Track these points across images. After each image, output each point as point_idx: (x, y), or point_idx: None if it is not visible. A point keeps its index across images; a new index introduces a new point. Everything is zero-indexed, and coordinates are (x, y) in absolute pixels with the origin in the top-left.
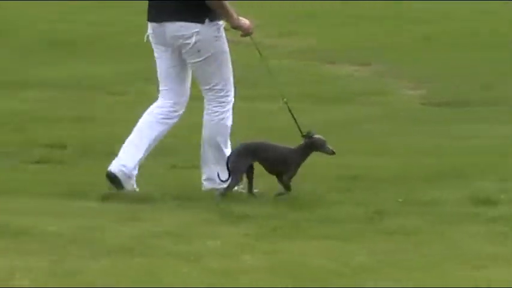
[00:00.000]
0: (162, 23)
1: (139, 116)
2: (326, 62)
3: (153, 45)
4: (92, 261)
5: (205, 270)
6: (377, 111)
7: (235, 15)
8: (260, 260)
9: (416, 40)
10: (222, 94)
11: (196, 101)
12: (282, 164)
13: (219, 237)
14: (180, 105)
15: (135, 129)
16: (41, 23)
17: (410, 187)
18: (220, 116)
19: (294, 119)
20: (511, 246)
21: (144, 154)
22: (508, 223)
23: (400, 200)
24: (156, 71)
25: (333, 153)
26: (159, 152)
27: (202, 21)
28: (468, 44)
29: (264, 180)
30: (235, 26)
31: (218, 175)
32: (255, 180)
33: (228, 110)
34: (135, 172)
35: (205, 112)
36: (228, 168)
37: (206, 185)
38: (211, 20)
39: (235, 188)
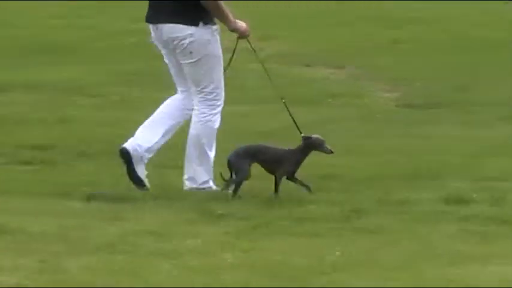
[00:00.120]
0: (158, 25)
1: (123, 118)
2: (302, 65)
3: (158, 46)
4: (76, 259)
5: (186, 268)
6: (353, 113)
7: (231, 18)
8: (240, 258)
9: (389, 43)
10: (211, 97)
11: None
12: (282, 164)
13: (199, 236)
14: None
15: (155, 113)
16: (23, 28)
17: (386, 187)
18: (208, 117)
19: (293, 119)
20: (484, 244)
21: (159, 139)
22: (480, 222)
23: (375, 199)
24: (138, 73)
25: (331, 152)
26: None
27: (196, 24)
28: (441, 47)
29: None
30: (232, 29)
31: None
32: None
33: (216, 113)
34: (148, 155)
35: (193, 112)
36: (230, 169)
37: (187, 184)
38: (205, 24)
39: (215, 188)
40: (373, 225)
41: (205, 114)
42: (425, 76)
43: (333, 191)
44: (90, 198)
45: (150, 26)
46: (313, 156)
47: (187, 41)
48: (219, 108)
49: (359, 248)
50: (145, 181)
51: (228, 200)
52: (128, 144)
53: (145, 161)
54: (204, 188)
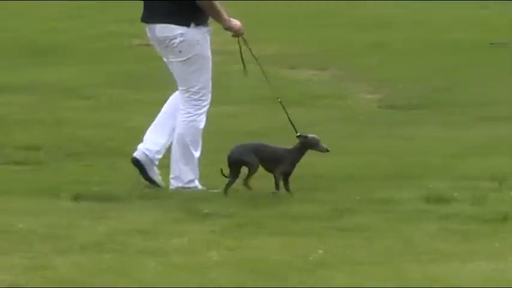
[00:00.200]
0: (151, 25)
1: (114, 119)
2: (286, 67)
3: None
4: (64, 257)
5: (172, 266)
6: (336, 114)
7: (226, 17)
8: (225, 256)
9: (371, 45)
10: (197, 97)
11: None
12: (280, 163)
13: (185, 234)
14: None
15: (158, 115)
16: (18, 29)
17: (368, 187)
18: (192, 117)
19: (289, 118)
20: (464, 242)
21: (166, 141)
22: (461, 220)
23: (357, 198)
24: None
25: (327, 150)
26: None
27: (188, 25)
28: (423, 49)
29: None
30: (226, 27)
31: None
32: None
33: (201, 114)
34: (158, 156)
35: (179, 112)
36: (229, 167)
37: (173, 184)
38: (196, 25)
39: (200, 187)
40: (355, 224)
41: (190, 114)
42: (407, 78)
43: (316, 190)
44: (78, 197)
45: (146, 26)
46: None
47: (177, 40)
48: (205, 109)
49: (342, 246)
50: (159, 181)
51: (213, 199)
52: (138, 153)
53: (156, 162)
54: (189, 187)
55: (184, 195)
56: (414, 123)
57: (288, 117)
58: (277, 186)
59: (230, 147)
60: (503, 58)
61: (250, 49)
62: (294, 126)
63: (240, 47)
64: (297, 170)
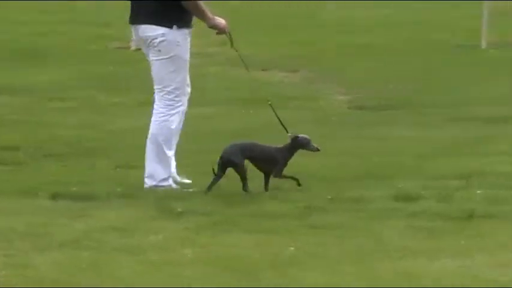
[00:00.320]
0: (137, 25)
1: (87, 121)
2: (259, 69)
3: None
4: (42, 255)
5: (147, 263)
6: (308, 115)
7: (210, 15)
8: (199, 253)
9: (341, 48)
10: (170, 97)
11: (142, 106)
12: (270, 163)
13: (161, 232)
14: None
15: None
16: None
17: (339, 186)
18: (165, 117)
19: (279, 119)
20: (431, 239)
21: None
22: (428, 218)
23: (328, 197)
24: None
25: (317, 150)
26: (104, 154)
27: (170, 26)
28: (392, 51)
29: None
30: (211, 25)
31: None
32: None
33: (174, 114)
34: (173, 163)
35: (153, 111)
36: (219, 166)
37: (147, 182)
38: (179, 27)
39: (174, 186)
40: (326, 222)
41: (162, 114)
42: (377, 79)
43: (289, 190)
44: (57, 196)
45: (132, 27)
46: None
47: (158, 40)
48: (178, 110)
49: (312, 244)
50: (185, 181)
51: (188, 197)
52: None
53: (173, 166)
54: (163, 186)
55: (160, 194)
56: (384, 124)
57: (278, 118)
58: (291, 178)
59: (211, 148)
60: (473, 60)
61: (233, 46)
62: (284, 126)
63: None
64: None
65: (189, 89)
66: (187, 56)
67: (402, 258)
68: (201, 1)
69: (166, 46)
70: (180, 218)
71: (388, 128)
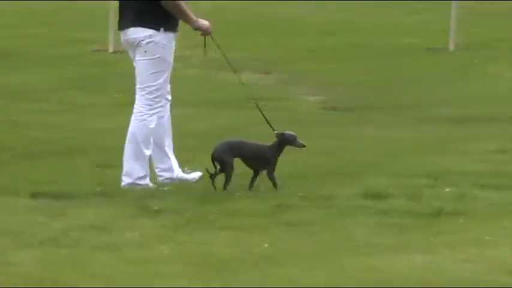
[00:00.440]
0: (125, 30)
1: (64, 121)
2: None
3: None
4: (22, 252)
5: (125, 260)
6: (281, 115)
7: (193, 17)
8: (175, 250)
9: (312, 51)
10: (151, 97)
11: (120, 107)
12: (261, 160)
13: (137, 230)
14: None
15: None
16: None
17: (310, 183)
18: (143, 116)
19: (265, 118)
20: (400, 235)
21: (168, 144)
22: (396, 215)
23: (300, 194)
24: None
25: (303, 146)
26: (83, 154)
27: (157, 29)
28: (362, 54)
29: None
30: (195, 27)
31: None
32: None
33: (152, 114)
34: (174, 173)
35: (133, 110)
36: (214, 164)
37: (124, 180)
38: (165, 30)
39: (151, 185)
40: (298, 219)
41: (142, 113)
42: (347, 81)
43: (261, 188)
44: (36, 195)
45: (121, 33)
46: None
47: (145, 41)
48: (156, 110)
49: (285, 240)
50: (186, 175)
51: (164, 196)
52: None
53: (171, 164)
54: (140, 184)
55: (137, 192)
56: (355, 124)
57: (264, 116)
58: (274, 184)
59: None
60: (439, 62)
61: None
62: (270, 124)
63: (205, 40)
64: (241, 169)
65: (169, 97)
66: (171, 59)
67: (372, 254)
68: (181, 2)
69: (153, 47)
70: (157, 216)
71: (358, 128)
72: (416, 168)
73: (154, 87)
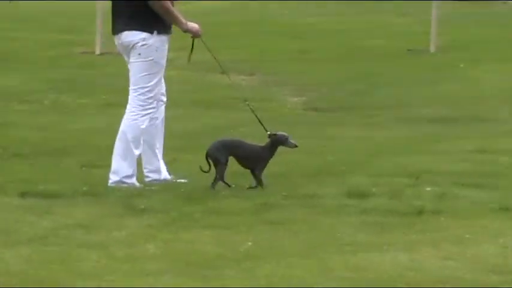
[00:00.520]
0: (119, 34)
1: (52, 122)
2: (217, 72)
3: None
4: (11, 250)
5: (112, 258)
6: (264, 116)
7: (183, 20)
8: (161, 248)
9: (294, 53)
10: (143, 98)
11: (107, 108)
12: (254, 160)
13: (124, 228)
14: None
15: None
16: None
17: (293, 183)
18: (135, 117)
19: (258, 119)
20: (381, 234)
21: (159, 145)
22: (379, 213)
23: (284, 193)
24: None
25: (295, 146)
26: (70, 153)
27: (151, 32)
28: (343, 56)
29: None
30: (184, 30)
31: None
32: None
33: (144, 115)
34: (161, 175)
35: (126, 110)
36: (208, 162)
37: (111, 178)
38: (159, 33)
39: (138, 184)
40: (282, 218)
41: (134, 114)
42: (329, 82)
43: (245, 187)
44: (25, 194)
45: (115, 38)
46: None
47: (139, 44)
48: (149, 111)
49: (269, 239)
50: (171, 177)
51: (150, 195)
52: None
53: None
54: (126, 183)
55: (123, 192)
56: (336, 124)
57: (257, 117)
58: (260, 183)
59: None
60: (420, 64)
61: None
62: (263, 125)
63: (193, 42)
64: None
65: (164, 98)
66: (164, 62)
67: (355, 252)
68: (168, 3)
69: (146, 50)
70: (143, 214)
71: (340, 128)
72: (397, 167)
73: (147, 89)
